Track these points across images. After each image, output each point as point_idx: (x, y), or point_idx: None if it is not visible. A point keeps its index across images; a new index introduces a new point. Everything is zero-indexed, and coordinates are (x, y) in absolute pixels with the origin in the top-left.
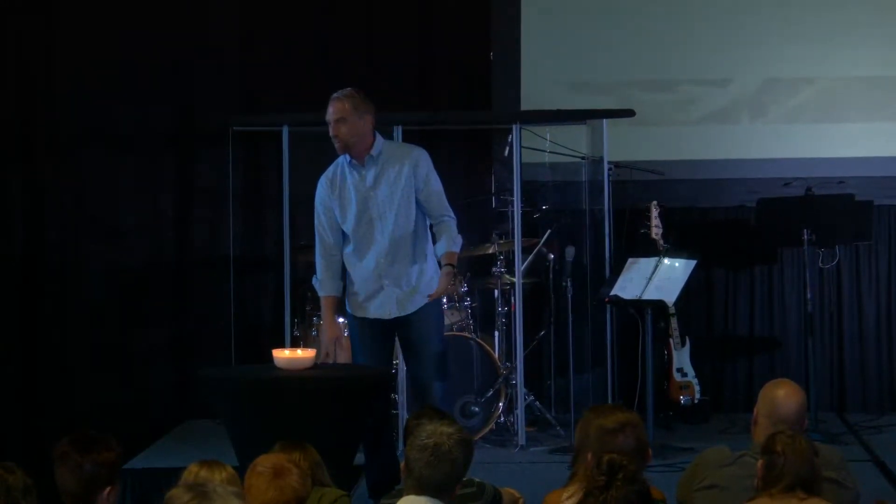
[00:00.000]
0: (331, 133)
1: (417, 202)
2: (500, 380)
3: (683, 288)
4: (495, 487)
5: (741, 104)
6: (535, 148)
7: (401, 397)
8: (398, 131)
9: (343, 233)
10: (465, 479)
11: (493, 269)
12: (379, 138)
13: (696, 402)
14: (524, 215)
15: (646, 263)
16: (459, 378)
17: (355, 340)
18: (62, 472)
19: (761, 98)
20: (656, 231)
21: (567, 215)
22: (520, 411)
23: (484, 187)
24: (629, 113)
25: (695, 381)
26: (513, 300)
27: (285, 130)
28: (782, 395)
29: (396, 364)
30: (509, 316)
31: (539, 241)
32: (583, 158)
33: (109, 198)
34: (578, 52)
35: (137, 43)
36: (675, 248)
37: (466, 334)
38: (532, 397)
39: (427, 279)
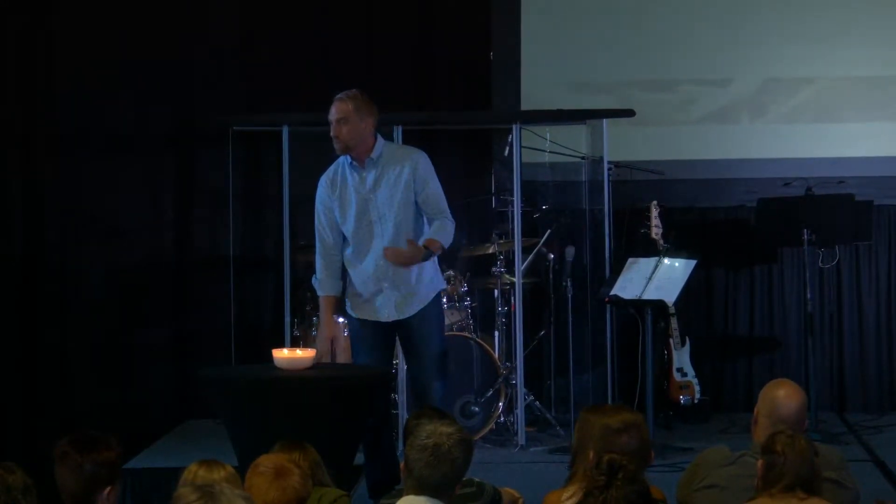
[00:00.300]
0: (332, 133)
1: (417, 205)
2: (500, 380)
3: (683, 288)
4: (495, 487)
5: (741, 104)
6: (535, 148)
7: (401, 397)
8: (398, 131)
9: (343, 233)
10: (464, 479)
11: (493, 269)
12: (380, 140)
13: (696, 402)
14: (524, 215)
15: (646, 263)
16: (459, 378)
17: (355, 340)
18: (62, 472)
19: (761, 98)
20: (656, 231)
21: (567, 215)
22: (520, 411)
23: (484, 187)
24: (629, 113)
25: (695, 381)
26: (513, 300)
27: (285, 130)
28: (783, 396)
29: (396, 364)
30: (509, 316)
31: (539, 241)
32: (583, 158)
33: (109, 198)
34: (578, 52)
35: (137, 43)
36: (675, 248)
37: (466, 334)
38: (532, 397)
39: (426, 282)
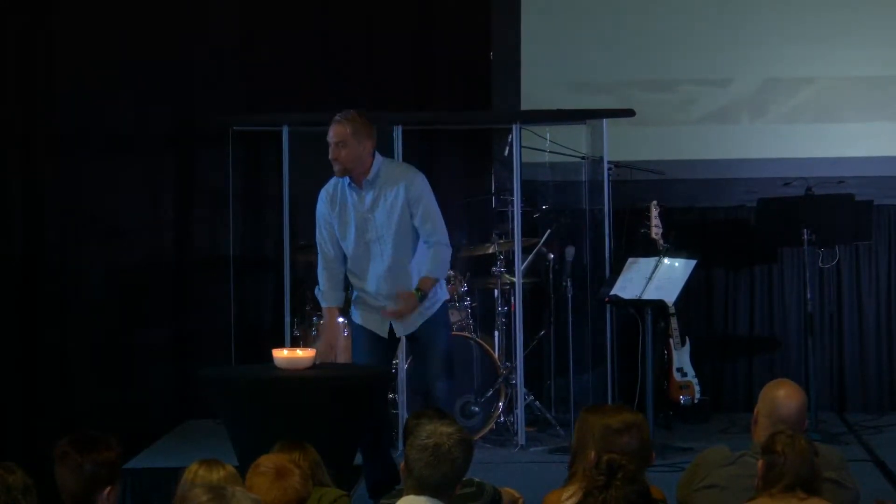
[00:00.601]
0: (330, 156)
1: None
2: (500, 380)
3: (683, 288)
4: (495, 487)
5: (741, 104)
6: (535, 148)
7: (401, 397)
8: (398, 131)
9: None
10: (464, 479)
11: (493, 269)
12: (377, 158)
13: (696, 402)
14: (524, 215)
15: (646, 263)
16: (459, 378)
17: (356, 341)
18: (62, 472)
19: (761, 98)
20: (656, 231)
21: (567, 215)
22: (520, 411)
23: (484, 187)
24: (629, 113)
25: (695, 381)
26: (513, 300)
27: (285, 130)
28: (783, 396)
29: (396, 364)
30: (509, 316)
31: (539, 241)
32: (583, 158)
33: (109, 198)
34: (578, 52)
35: (137, 43)
36: (674, 248)
37: (466, 334)
38: (532, 397)
39: (430, 296)
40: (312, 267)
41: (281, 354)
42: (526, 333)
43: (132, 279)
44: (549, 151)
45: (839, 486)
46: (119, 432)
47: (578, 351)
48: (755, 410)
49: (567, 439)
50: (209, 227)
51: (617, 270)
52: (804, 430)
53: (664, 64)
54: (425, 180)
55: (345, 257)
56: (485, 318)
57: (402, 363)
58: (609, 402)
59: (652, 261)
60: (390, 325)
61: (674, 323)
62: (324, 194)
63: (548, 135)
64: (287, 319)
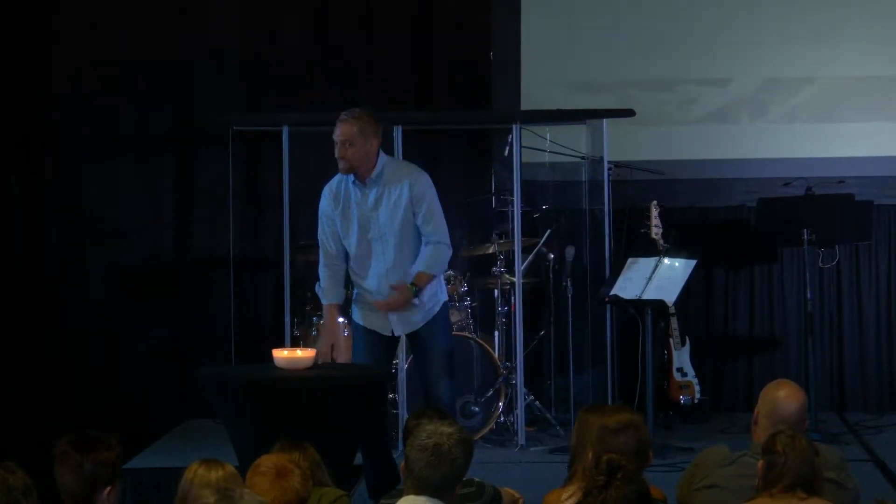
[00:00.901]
0: (336, 154)
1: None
2: (500, 379)
3: (683, 288)
4: (495, 487)
5: (741, 104)
6: (535, 148)
7: (401, 397)
8: (398, 131)
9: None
10: (465, 478)
11: (493, 269)
12: (382, 157)
13: (696, 401)
14: (524, 215)
15: (646, 263)
16: (459, 378)
17: (357, 340)
18: (62, 472)
19: (761, 98)
20: (656, 231)
21: (567, 215)
22: (520, 411)
23: (484, 187)
24: (629, 113)
25: (695, 380)
26: (513, 300)
27: (285, 130)
28: (783, 396)
29: (396, 364)
30: (509, 316)
31: (539, 241)
32: (583, 158)
33: (109, 198)
34: (578, 52)
35: (137, 43)
36: (674, 248)
37: (466, 334)
38: (532, 397)
39: (430, 296)
40: (312, 267)
41: (281, 354)
42: (526, 333)
43: (132, 279)
44: (549, 151)
45: (839, 486)
46: (119, 432)
47: (578, 351)
48: (755, 411)
49: (567, 439)
50: (209, 227)
51: (617, 270)
52: (804, 431)
53: (664, 64)
54: (429, 180)
55: (346, 254)
56: (485, 318)
57: (402, 363)
58: (609, 402)
59: (652, 261)
60: (389, 325)
61: (674, 323)
62: (327, 191)
63: (548, 135)
64: (287, 319)
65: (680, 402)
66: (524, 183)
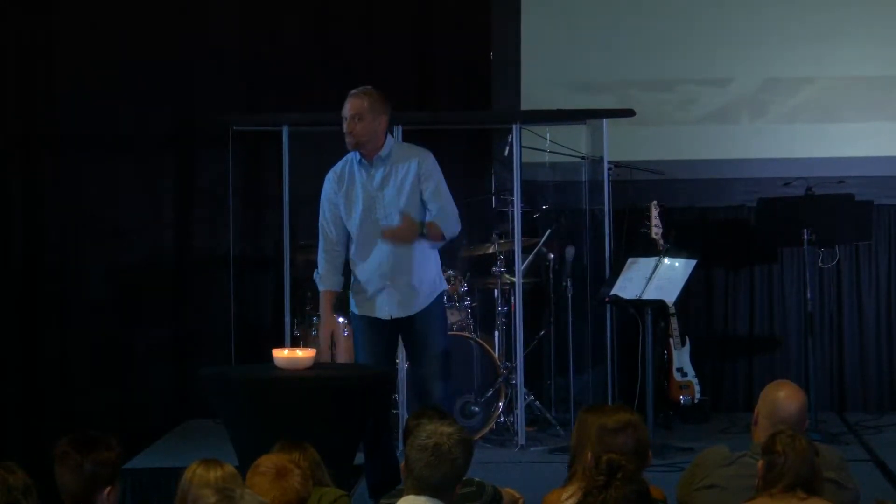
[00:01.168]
0: (344, 129)
1: (424, 205)
2: (500, 379)
3: (683, 288)
4: (495, 487)
5: (741, 104)
6: (535, 148)
7: (401, 397)
8: (398, 131)
9: (346, 230)
10: (464, 478)
11: (493, 269)
12: (389, 139)
13: (696, 401)
14: (524, 215)
15: (646, 263)
16: (459, 378)
17: (358, 339)
18: (62, 472)
19: (761, 98)
20: (656, 231)
21: (567, 215)
22: (520, 411)
23: (484, 187)
24: (629, 113)
25: (695, 380)
26: (513, 300)
27: (285, 130)
28: (783, 397)
29: (396, 364)
30: (509, 316)
31: (539, 241)
32: (583, 158)
33: (109, 198)
34: (578, 52)
35: (137, 43)
36: (674, 248)
37: (466, 334)
38: (532, 397)
39: (429, 282)
40: (312, 267)
41: (281, 354)
42: (526, 333)
43: (132, 279)
44: (549, 151)
45: (839, 486)
46: (119, 432)
47: (578, 351)
48: (755, 411)
49: (567, 439)
50: (209, 227)
51: (617, 270)
52: (804, 431)
53: (664, 64)
54: (435, 160)
55: (346, 242)
56: (485, 318)
57: (402, 363)
58: (609, 402)
59: (652, 261)
60: (387, 307)
61: (674, 323)
62: (331, 174)
63: (548, 135)
64: (287, 319)
65: (680, 402)
66: (524, 183)
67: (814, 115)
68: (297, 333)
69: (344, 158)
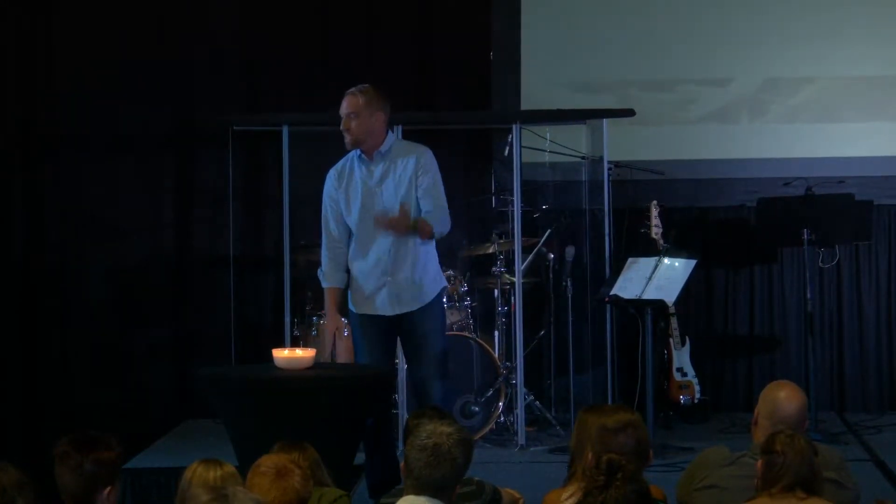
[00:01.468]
0: (342, 127)
1: (418, 200)
2: (500, 379)
3: (683, 288)
4: (494, 486)
5: (741, 104)
6: (535, 148)
7: (401, 397)
8: (398, 131)
9: (348, 227)
10: (464, 478)
11: (493, 269)
12: (390, 135)
13: (696, 401)
14: (524, 215)
15: (646, 263)
16: (459, 378)
17: (357, 338)
18: (62, 472)
19: (761, 98)
20: (656, 231)
21: (567, 215)
22: (520, 411)
23: (484, 187)
24: (629, 113)
25: (695, 380)
26: (513, 300)
27: (285, 130)
28: (783, 397)
29: (396, 364)
30: (509, 316)
31: (539, 241)
32: (583, 158)
33: (109, 198)
34: (578, 52)
35: (137, 43)
36: (674, 248)
37: (466, 334)
38: (532, 397)
39: (428, 279)
40: (312, 267)
41: (281, 354)
42: (526, 333)
43: (132, 279)
44: (549, 151)
45: (839, 486)
46: (119, 432)
47: (578, 351)
48: (755, 411)
49: (567, 439)
50: (209, 227)
51: (617, 270)
52: (804, 431)
53: (664, 64)
54: (433, 157)
55: (349, 239)
56: (485, 318)
57: (402, 363)
58: (609, 402)
59: (652, 261)
60: (386, 304)
61: (674, 323)
62: (332, 172)
63: (548, 135)
64: (287, 319)
65: (680, 402)
66: (524, 183)
67: (814, 115)
68: (297, 333)
69: (346, 156)
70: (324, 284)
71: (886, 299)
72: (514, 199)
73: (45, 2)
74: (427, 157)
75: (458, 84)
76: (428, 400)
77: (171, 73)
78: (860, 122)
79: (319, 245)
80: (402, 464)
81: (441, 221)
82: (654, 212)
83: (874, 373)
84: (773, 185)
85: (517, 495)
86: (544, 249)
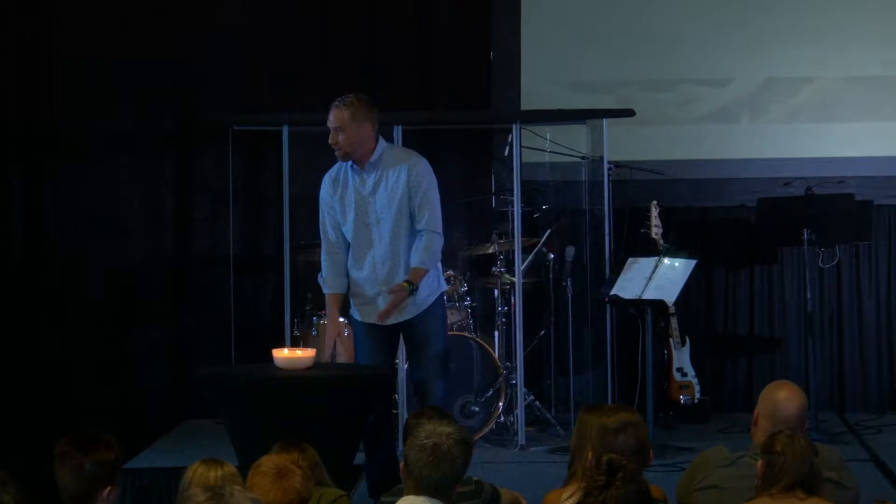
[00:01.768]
0: (330, 141)
1: (412, 213)
2: (500, 379)
3: (683, 288)
4: (494, 486)
5: (741, 104)
6: (535, 148)
7: (401, 397)
8: (398, 131)
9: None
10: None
11: (493, 269)
12: (381, 143)
13: (696, 401)
14: (524, 215)
15: (645, 263)
16: (459, 378)
17: (358, 340)
18: (62, 472)
19: (761, 98)
20: (656, 231)
21: (567, 215)
22: (520, 411)
23: (484, 187)
24: (629, 113)
25: (695, 380)
26: (513, 300)
27: (285, 130)
28: (783, 398)
29: (396, 363)
30: (509, 316)
31: (539, 241)
32: (583, 158)
33: (109, 197)
34: (578, 52)
35: (137, 43)
36: (674, 248)
37: (466, 334)
38: (532, 397)
39: (426, 285)
40: (312, 267)
41: (281, 354)
42: (526, 333)
43: (132, 279)
44: (549, 151)
45: (839, 486)
46: (119, 432)
47: (578, 351)
48: (755, 411)
49: (567, 439)
50: (209, 226)
51: (617, 270)
52: (805, 432)
53: (664, 64)
54: (429, 167)
55: (347, 244)
56: (485, 318)
57: (402, 363)
58: (609, 402)
59: (652, 261)
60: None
61: (674, 323)
62: (327, 178)
63: (548, 135)
64: (287, 319)
65: (680, 402)
66: (524, 183)
67: (814, 115)
68: (297, 333)
69: (338, 163)
70: (324, 291)
71: (886, 299)
72: (514, 199)
73: (45, 2)
74: (419, 168)
75: (458, 84)
76: (428, 400)
77: (171, 73)
78: (860, 122)
79: (317, 245)
80: (401, 464)
81: (432, 252)
82: (654, 212)
83: (874, 373)
84: (773, 185)
85: (517, 496)
86: (544, 249)
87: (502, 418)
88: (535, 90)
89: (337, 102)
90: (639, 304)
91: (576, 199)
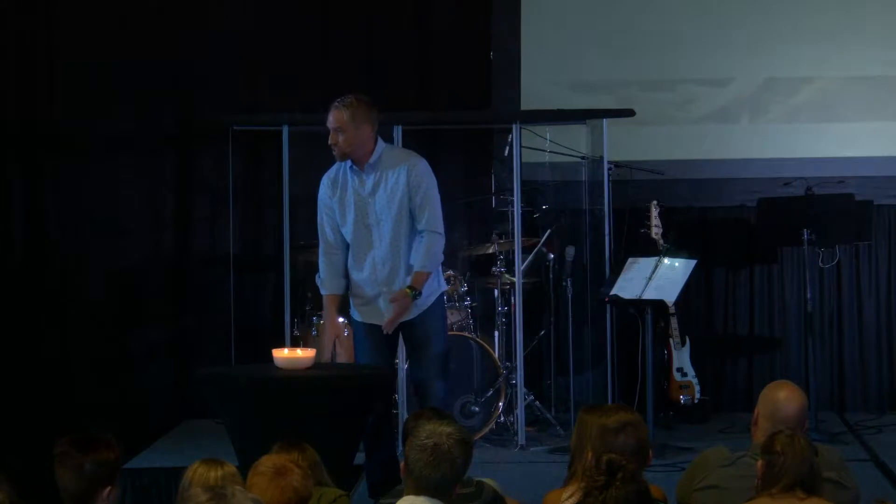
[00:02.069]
0: (329, 142)
1: (412, 214)
2: (500, 379)
3: (683, 288)
4: (495, 489)
5: (741, 104)
6: (535, 148)
7: (401, 397)
8: (398, 131)
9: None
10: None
11: (493, 269)
12: (380, 144)
13: (696, 402)
14: (524, 215)
15: (646, 263)
16: (459, 378)
17: (357, 341)
18: (62, 472)
19: (761, 98)
20: (656, 231)
21: (567, 215)
22: (520, 411)
23: (484, 187)
24: (629, 113)
25: (695, 380)
26: (513, 300)
27: (285, 130)
28: (783, 398)
29: (396, 363)
30: (509, 316)
31: (539, 241)
32: (583, 158)
33: (109, 197)
34: (578, 52)
35: (137, 43)
36: (674, 248)
37: (466, 334)
38: (532, 397)
39: (426, 286)
40: (312, 267)
41: (281, 354)
42: (526, 333)
43: (132, 279)
44: (549, 151)
45: (839, 486)
46: (119, 432)
47: (578, 351)
48: (755, 411)
49: (567, 439)
50: (209, 226)
51: (617, 270)
52: (805, 432)
53: (664, 64)
54: (428, 167)
55: (346, 245)
56: (485, 318)
57: (402, 363)
58: (609, 402)
59: (652, 261)
60: (384, 313)
61: (674, 323)
62: (326, 179)
63: (548, 135)
64: (287, 319)
65: (680, 402)
66: (524, 183)
67: (814, 115)
68: (297, 333)
69: (337, 164)
70: (322, 292)
71: (886, 299)
72: (514, 199)
73: (45, 2)
74: (418, 169)
75: (458, 84)
76: (428, 400)
77: (171, 73)
78: (860, 122)
79: (317, 245)
80: (402, 464)
81: (433, 254)
82: (654, 212)
83: (874, 373)
84: (773, 185)
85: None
86: (544, 249)
87: (502, 418)
88: (535, 90)
89: (336, 103)
90: (639, 304)
91: (576, 199)
